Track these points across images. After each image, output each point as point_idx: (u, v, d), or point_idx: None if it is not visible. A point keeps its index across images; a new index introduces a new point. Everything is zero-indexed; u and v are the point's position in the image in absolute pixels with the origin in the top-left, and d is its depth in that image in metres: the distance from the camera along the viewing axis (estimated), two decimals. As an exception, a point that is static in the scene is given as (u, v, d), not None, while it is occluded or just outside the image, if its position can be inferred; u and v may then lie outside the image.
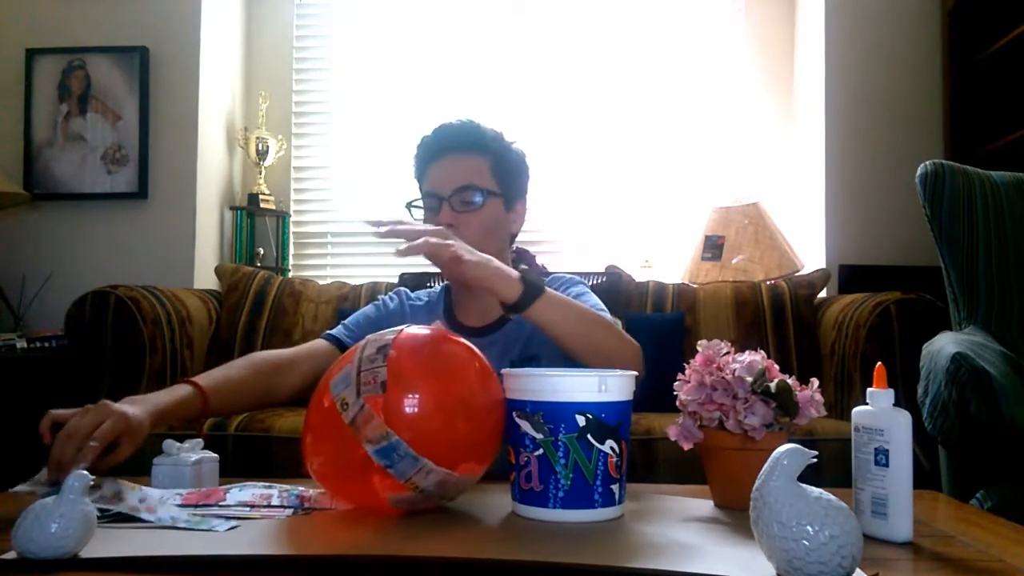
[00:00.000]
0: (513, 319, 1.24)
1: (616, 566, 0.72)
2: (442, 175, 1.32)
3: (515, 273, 1.12)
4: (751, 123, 3.21)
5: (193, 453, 1.04)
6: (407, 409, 0.86)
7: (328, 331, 1.37)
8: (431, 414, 0.87)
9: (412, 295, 1.45)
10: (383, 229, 1.11)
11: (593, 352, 1.13)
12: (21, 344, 2.60)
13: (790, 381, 0.96)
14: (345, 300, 2.46)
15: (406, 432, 0.84)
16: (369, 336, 0.94)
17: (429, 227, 1.13)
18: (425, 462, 0.84)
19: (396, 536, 0.82)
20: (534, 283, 1.11)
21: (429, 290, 1.47)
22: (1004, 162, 2.34)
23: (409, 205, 1.36)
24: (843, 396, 2.13)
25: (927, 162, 1.82)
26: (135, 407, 1.03)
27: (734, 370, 0.96)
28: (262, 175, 3.20)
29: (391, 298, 1.43)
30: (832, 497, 0.68)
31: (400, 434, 0.84)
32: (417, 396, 0.87)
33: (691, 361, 1.00)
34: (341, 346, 1.32)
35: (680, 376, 1.01)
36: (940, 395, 1.44)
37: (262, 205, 3.16)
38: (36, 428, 0.99)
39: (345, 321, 1.39)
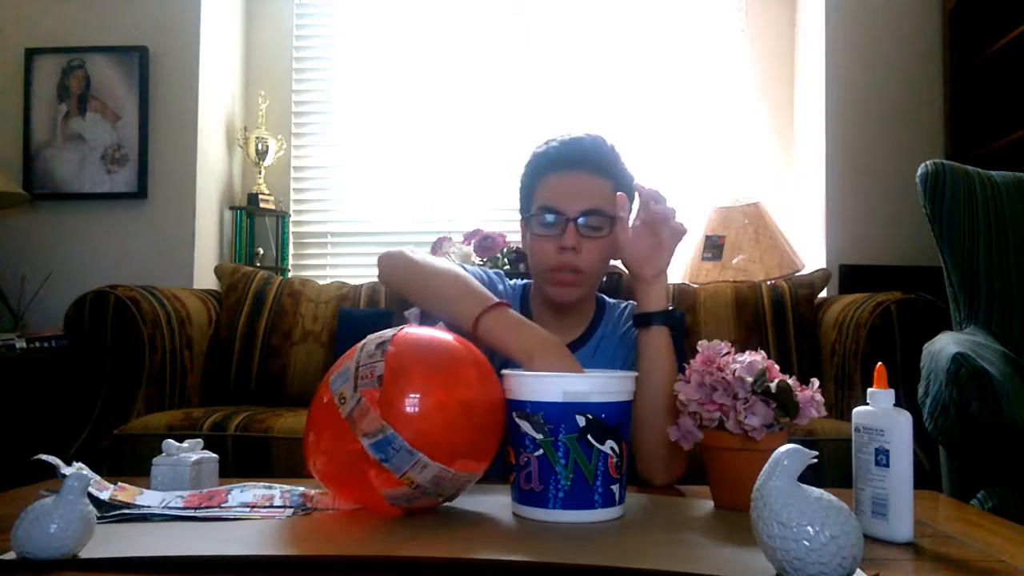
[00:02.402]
0: (586, 348, 1.28)
1: (616, 566, 0.72)
2: (569, 193, 1.23)
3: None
4: (751, 123, 3.21)
5: (193, 453, 1.04)
6: (402, 402, 0.85)
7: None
8: (427, 408, 0.86)
9: (507, 281, 1.38)
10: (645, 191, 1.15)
11: (651, 420, 1.10)
12: (20, 344, 2.60)
13: (790, 381, 0.96)
14: (345, 300, 2.46)
15: (401, 425, 0.84)
16: (370, 335, 0.94)
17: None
18: (420, 456, 0.84)
19: (396, 536, 0.82)
20: (674, 312, 1.18)
21: (512, 283, 1.39)
22: (1004, 162, 2.34)
23: (528, 218, 1.28)
24: (843, 396, 2.12)
25: (927, 162, 1.82)
26: None
27: (734, 370, 0.95)
28: (262, 175, 3.20)
29: (497, 277, 1.37)
30: (833, 497, 0.68)
31: (395, 428, 0.84)
32: (413, 390, 0.86)
33: (691, 361, 1.00)
34: None
35: (680, 376, 1.01)
36: (941, 395, 1.44)
37: (262, 205, 3.16)
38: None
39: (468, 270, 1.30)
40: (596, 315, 1.35)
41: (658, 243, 1.14)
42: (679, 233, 1.14)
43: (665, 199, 1.14)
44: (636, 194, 1.21)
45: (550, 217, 1.24)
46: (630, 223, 1.17)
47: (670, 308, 1.18)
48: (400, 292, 1.21)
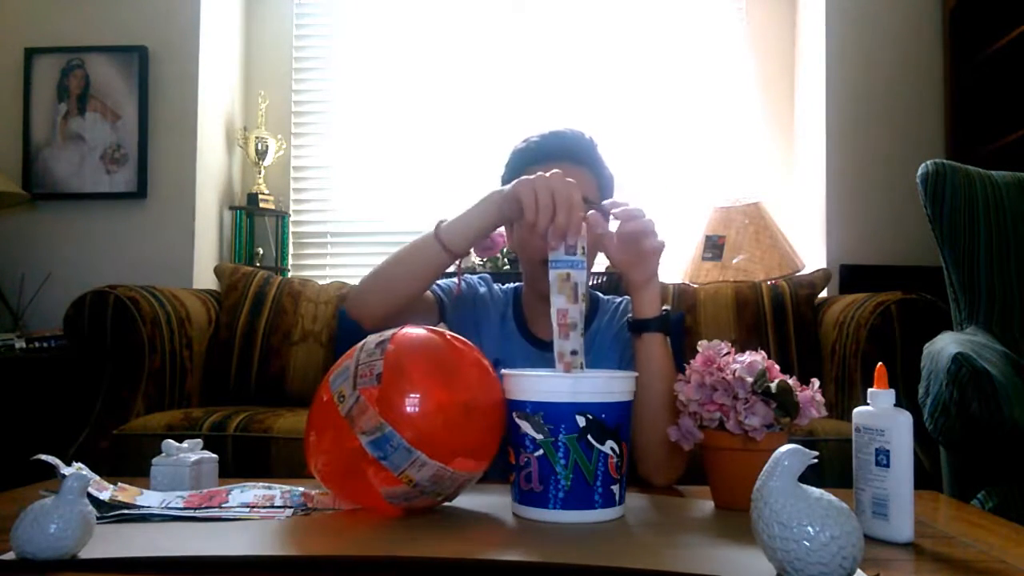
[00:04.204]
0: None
1: (616, 566, 0.72)
2: None
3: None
4: (751, 123, 3.21)
5: (192, 453, 1.04)
6: (401, 400, 0.85)
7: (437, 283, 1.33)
8: (425, 407, 0.86)
9: (495, 286, 1.40)
10: (618, 210, 1.11)
11: (649, 423, 1.09)
12: (20, 344, 2.60)
13: (791, 381, 0.96)
14: (345, 300, 2.46)
15: (400, 423, 0.84)
16: (371, 335, 0.94)
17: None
18: (419, 454, 0.84)
19: (396, 536, 0.81)
20: (668, 317, 1.15)
21: (502, 287, 1.41)
22: (1005, 162, 2.34)
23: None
24: (844, 396, 2.12)
25: (928, 162, 1.82)
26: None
27: (735, 370, 0.95)
28: (261, 175, 3.20)
29: (481, 282, 1.38)
30: (833, 498, 0.68)
31: (394, 426, 0.83)
32: (411, 388, 0.86)
33: (691, 361, 1.00)
34: (440, 302, 1.31)
35: (680, 376, 1.01)
36: (941, 395, 1.43)
37: (261, 205, 3.16)
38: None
39: (442, 282, 1.34)
40: (590, 310, 1.34)
41: (641, 252, 1.12)
42: (658, 248, 1.12)
43: (642, 213, 1.11)
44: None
45: None
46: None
47: (666, 309, 1.17)
48: (376, 309, 1.19)
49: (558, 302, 1.02)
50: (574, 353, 1.01)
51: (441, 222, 1.16)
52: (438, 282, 1.33)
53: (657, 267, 1.15)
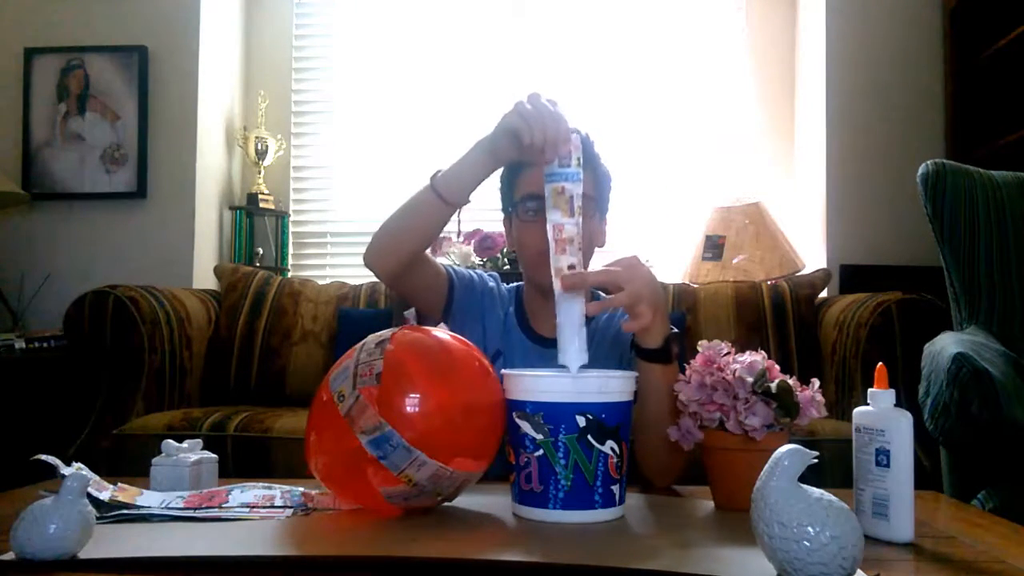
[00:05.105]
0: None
1: (616, 566, 0.72)
2: None
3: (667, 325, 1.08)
4: (752, 123, 3.21)
5: (192, 453, 1.04)
6: (400, 400, 0.85)
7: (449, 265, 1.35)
8: (424, 406, 0.86)
9: (502, 284, 1.40)
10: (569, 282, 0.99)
11: (656, 436, 1.04)
12: (20, 344, 2.60)
13: (791, 381, 0.96)
14: (345, 300, 2.46)
15: (399, 423, 0.84)
16: (371, 335, 0.94)
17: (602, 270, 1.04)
18: (418, 454, 0.84)
19: (396, 537, 0.81)
20: (670, 348, 1.08)
21: (508, 286, 1.40)
22: (1005, 162, 2.33)
23: (513, 208, 1.29)
24: (844, 396, 2.12)
25: (928, 162, 1.82)
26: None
27: (735, 370, 0.95)
28: (261, 175, 3.20)
29: (491, 277, 1.39)
30: (833, 498, 0.68)
31: (393, 425, 0.83)
32: (411, 387, 0.86)
33: (691, 362, 1.00)
34: (450, 279, 1.33)
35: (680, 376, 1.01)
36: (941, 395, 1.43)
37: (261, 205, 3.16)
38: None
39: (457, 268, 1.36)
40: None
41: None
42: (652, 302, 1.04)
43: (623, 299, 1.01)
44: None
45: (533, 203, 1.25)
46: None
47: (673, 331, 1.10)
48: (384, 263, 1.22)
49: (553, 216, 1.00)
50: (571, 268, 0.99)
51: (436, 173, 1.17)
52: (455, 268, 1.36)
53: (650, 319, 1.03)
